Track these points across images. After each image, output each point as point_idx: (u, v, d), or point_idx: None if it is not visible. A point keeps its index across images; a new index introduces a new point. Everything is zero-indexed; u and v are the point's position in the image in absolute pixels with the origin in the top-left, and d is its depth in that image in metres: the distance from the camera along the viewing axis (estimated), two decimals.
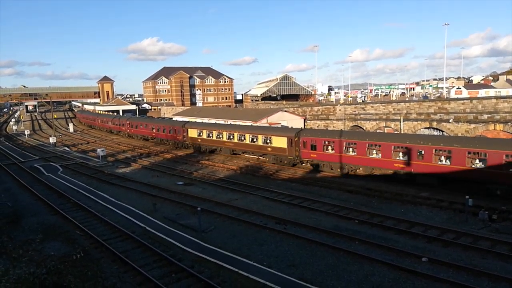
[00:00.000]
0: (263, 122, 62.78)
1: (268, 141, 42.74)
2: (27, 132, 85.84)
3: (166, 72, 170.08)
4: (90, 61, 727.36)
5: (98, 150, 49.76)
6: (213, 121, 69.34)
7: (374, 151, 33.74)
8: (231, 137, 47.57)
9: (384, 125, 61.51)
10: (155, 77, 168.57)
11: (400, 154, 32.11)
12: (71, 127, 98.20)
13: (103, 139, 78.09)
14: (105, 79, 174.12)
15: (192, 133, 54.36)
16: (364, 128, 64.28)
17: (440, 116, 56.12)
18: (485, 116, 51.58)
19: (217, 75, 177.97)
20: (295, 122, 66.85)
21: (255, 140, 44.56)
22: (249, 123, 60.95)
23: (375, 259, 18.20)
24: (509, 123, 48.55)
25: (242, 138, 46.04)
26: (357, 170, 36.05)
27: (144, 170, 43.85)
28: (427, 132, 55.58)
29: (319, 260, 18.59)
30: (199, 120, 72.65)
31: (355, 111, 68.45)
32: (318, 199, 29.05)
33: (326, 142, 37.18)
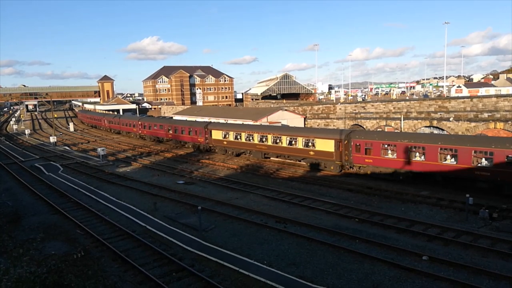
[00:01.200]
0: (263, 121, 62.84)
1: (310, 144, 38.69)
2: (27, 131, 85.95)
3: (166, 71, 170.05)
4: (90, 61, 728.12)
5: (99, 149, 49.78)
6: (213, 120, 69.20)
7: (448, 156, 29.59)
8: (264, 139, 43.69)
9: (385, 124, 61.54)
10: (155, 76, 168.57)
11: (483, 160, 28.03)
12: (71, 127, 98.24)
13: (104, 138, 78.12)
14: (105, 78, 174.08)
15: (217, 134, 49.74)
16: (364, 127, 64.28)
17: (440, 114, 56.11)
18: (486, 115, 51.56)
19: (217, 74, 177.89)
20: (295, 121, 66.92)
21: (293, 143, 40.53)
22: (249, 122, 60.98)
23: (375, 257, 18.21)
24: (510, 122, 48.54)
25: (277, 141, 42.19)
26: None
27: (144, 169, 43.87)
28: (427, 130, 55.60)
29: (319, 258, 18.61)
30: (199, 119, 72.61)
31: (355, 110, 68.40)
32: (318, 198, 29.06)
33: (385, 146, 32.98)
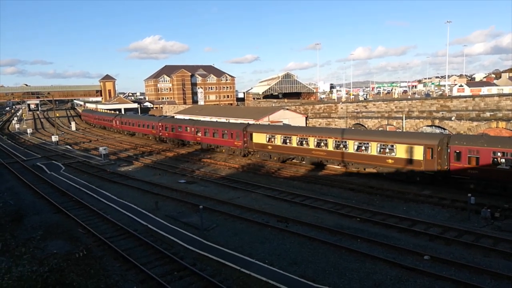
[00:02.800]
0: (264, 120, 62.80)
1: (387, 150, 33.30)
2: (29, 130, 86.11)
3: (168, 70, 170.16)
4: (92, 60, 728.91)
5: (100, 148, 49.86)
6: (214, 119, 69.13)
7: None
8: (322, 144, 38.06)
9: (386, 123, 61.46)
10: (157, 76, 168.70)
11: None
12: (73, 126, 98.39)
13: (106, 137, 78.23)
14: (107, 77, 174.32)
15: (259, 138, 44.25)
16: (366, 126, 64.23)
17: (442, 114, 56.01)
18: (488, 114, 51.45)
19: (218, 73, 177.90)
20: (297, 120, 66.92)
21: (364, 148, 34.94)
22: (251, 121, 60.86)
23: (377, 257, 18.21)
24: None
25: (341, 146, 36.69)
26: None
27: (146, 168, 43.93)
28: (429, 130, 55.51)
29: (321, 258, 18.61)
30: (201, 118, 72.34)
31: (357, 109, 68.33)
32: (320, 197, 29.06)
33: (499, 154, 27.25)
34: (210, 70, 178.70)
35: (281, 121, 61.25)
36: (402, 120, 57.85)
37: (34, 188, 33.88)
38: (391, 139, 33.61)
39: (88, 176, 39.57)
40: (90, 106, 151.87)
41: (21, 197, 31.94)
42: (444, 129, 54.08)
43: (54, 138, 66.95)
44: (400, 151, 32.22)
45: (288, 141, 41.32)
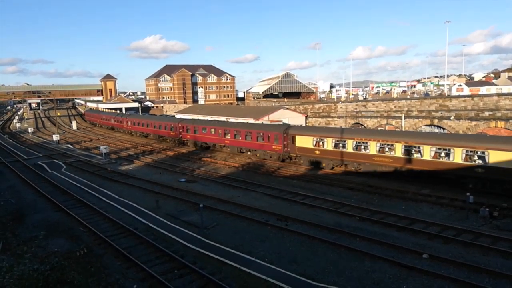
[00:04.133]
0: (264, 120, 62.85)
1: (476, 157, 28.09)
2: (30, 129, 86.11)
3: (169, 70, 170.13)
4: (93, 59, 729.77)
5: (101, 147, 49.96)
6: (215, 118, 68.99)
7: None
8: (388, 148, 33.09)
9: (386, 123, 61.55)
10: (157, 75, 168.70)
11: None
12: (74, 125, 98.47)
13: (106, 136, 78.32)
14: (108, 77, 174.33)
15: (304, 141, 39.43)
16: (365, 125, 64.31)
17: (441, 113, 56.09)
18: (487, 114, 51.54)
19: (219, 73, 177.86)
20: (297, 119, 66.96)
21: (443, 155, 29.83)
22: (251, 120, 60.91)
23: (376, 255, 18.32)
24: (511, 121, 48.52)
25: (412, 151, 31.55)
26: None
27: (146, 167, 44.03)
28: (428, 129, 55.60)
29: (320, 256, 18.73)
30: (201, 117, 72.27)
31: (356, 109, 68.39)
32: (319, 196, 29.17)
33: None
34: (211, 69, 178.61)
35: (281, 120, 61.25)
36: (401, 119, 57.93)
37: (35, 187, 33.99)
38: (481, 144, 28.10)
39: (89, 175, 39.67)
40: (91, 105, 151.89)
41: (22, 195, 32.04)
42: (443, 128, 54.18)
43: (55, 137, 67.06)
44: (495, 157, 27.03)
45: (341, 145, 36.45)
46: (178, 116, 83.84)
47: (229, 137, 49.19)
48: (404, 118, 57.98)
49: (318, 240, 20.58)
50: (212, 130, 52.20)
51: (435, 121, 55.45)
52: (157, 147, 58.61)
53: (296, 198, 29.02)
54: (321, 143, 38.25)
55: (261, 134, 44.32)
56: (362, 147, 35.04)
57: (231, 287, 15.58)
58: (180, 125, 59.02)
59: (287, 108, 72.13)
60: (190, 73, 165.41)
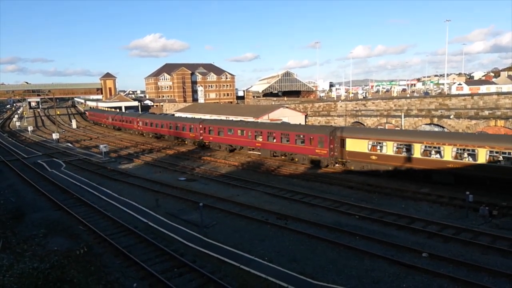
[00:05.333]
0: (264, 118, 62.82)
1: None
2: (30, 128, 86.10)
3: (168, 68, 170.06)
4: (93, 58, 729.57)
5: (101, 146, 49.97)
6: (214, 117, 69.00)
7: None
8: (466, 154, 28.90)
9: (385, 121, 61.54)
10: (157, 74, 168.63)
11: None
12: (74, 124, 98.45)
13: (106, 135, 78.29)
14: (108, 75, 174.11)
15: (356, 145, 35.12)
16: (365, 124, 64.31)
17: (441, 112, 56.09)
18: (486, 112, 51.55)
19: (218, 71, 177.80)
20: (296, 118, 66.92)
21: None
22: (250, 119, 60.85)
23: (375, 254, 18.35)
24: (510, 119, 48.53)
25: (500, 158, 27.34)
26: None
27: (146, 166, 44.02)
28: (427, 128, 55.62)
29: (319, 255, 18.75)
30: (201, 116, 72.17)
31: (356, 108, 68.38)
32: (319, 195, 29.20)
33: None
34: (210, 68, 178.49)
35: (281, 119, 61.24)
36: (401, 118, 57.93)
37: (35, 186, 34.01)
38: None
39: (89, 174, 39.67)
40: (91, 104, 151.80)
41: (22, 194, 32.07)
42: (443, 127, 54.19)
43: (55, 136, 67.05)
44: None
45: (405, 149, 32.28)
46: (177, 114, 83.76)
47: (260, 139, 44.67)
48: (404, 117, 57.98)
49: (318, 238, 20.61)
50: (240, 131, 47.57)
51: (435, 120, 55.45)
52: (157, 146, 58.58)
53: (296, 196, 29.03)
54: (379, 147, 33.81)
55: (302, 136, 39.74)
56: (433, 152, 30.73)
57: (231, 286, 15.59)
58: (201, 126, 53.91)
59: (287, 107, 72.09)
60: (190, 72, 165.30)
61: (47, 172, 40.07)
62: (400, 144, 32.61)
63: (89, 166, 43.55)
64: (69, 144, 64.50)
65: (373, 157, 34.09)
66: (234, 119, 62.29)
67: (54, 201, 28.99)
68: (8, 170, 42.97)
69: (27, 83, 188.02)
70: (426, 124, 56.42)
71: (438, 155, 30.44)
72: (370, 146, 34.34)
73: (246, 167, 41.27)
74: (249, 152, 47.56)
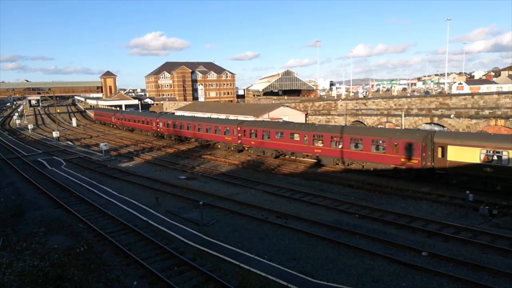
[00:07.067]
0: (264, 117, 62.80)
1: None
2: (30, 126, 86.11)
3: (169, 67, 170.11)
4: (93, 56, 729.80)
5: (101, 144, 49.95)
6: (214, 116, 69.01)
7: None
8: None
9: (386, 121, 61.51)
10: (157, 72, 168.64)
11: None
12: (74, 122, 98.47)
13: (106, 133, 78.29)
14: (108, 74, 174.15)
15: (461, 154, 28.48)
16: (365, 123, 64.29)
17: (441, 111, 56.08)
18: (487, 112, 51.53)
19: (219, 70, 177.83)
20: (297, 117, 66.89)
21: None
22: (250, 117, 60.78)
23: (375, 253, 18.35)
24: (511, 119, 48.51)
25: None
26: None
27: (146, 165, 44.02)
28: (428, 127, 55.59)
29: (319, 253, 18.75)
30: (201, 114, 72.16)
31: (356, 107, 68.37)
32: (319, 194, 29.19)
33: None
34: (211, 67, 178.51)
35: (281, 118, 61.22)
36: (401, 117, 57.91)
37: (35, 184, 34.03)
38: None
39: (89, 172, 39.70)
40: (91, 102, 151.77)
41: (22, 192, 32.09)
42: (443, 126, 54.18)
43: (55, 134, 67.09)
44: None
45: None
46: (178, 113, 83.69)
47: (320, 145, 38.47)
48: (404, 116, 57.95)
49: (318, 237, 20.61)
50: (292, 134, 41.28)
51: (435, 119, 55.42)
52: (157, 145, 58.57)
53: (296, 195, 29.03)
54: (495, 157, 27.29)
55: (381, 142, 33.50)
56: None
57: (230, 284, 15.60)
58: (239, 128, 47.39)
59: (287, 106, 72.07)
60: (190, 70, 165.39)
61: (47, 170, 40.09)
62: None
63: (89, 164, 43.57)
64: (69, 142, 64.55)
65: (488, 169, 27.44)
66: (233, 117, 62.19)
67: (54, 199, 29.01)
68: (8, 168, 43.00)
69: (27, 81, 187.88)
70: (427, 123, 56.41)
71: None
72: (482, 156, 27.73)
73: (246, 165, 41.26)
74: (304, 159, 41.79)
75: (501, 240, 19.82)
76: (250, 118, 60.32)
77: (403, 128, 54.53)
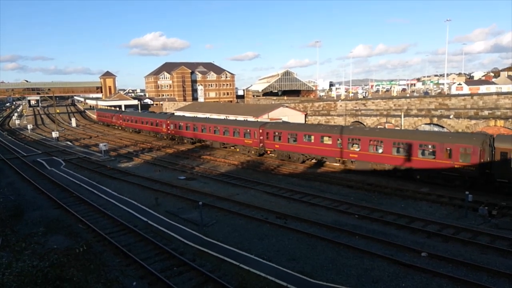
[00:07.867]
0: (264, 118, 62.79)
1: None
2: (29, 126, 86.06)
3: (168, 67, 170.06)
4: (93, 56, 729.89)
5: (101, 144, 49.91)
6: (214, 116, 68.95)
7: None
8: None
9: (385, 121, 61.51)
10: (157, 72, 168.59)
11: None
12: (73, 122, 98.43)
13: (106, 133, 78.27)
14: (108, 74, 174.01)
15: None
16: (365, 124, 64.28)
17: (440, 112, 56.08)
18: (486, 112, 51.55)
19: (218, 70, 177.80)
20: (296, 117, 66.91)
21: None
22: (250, 118, 60.77)
23: (375, 253, 18.35)
24: (510, 119, 48.53)
25: None
26: None
27: (146, 165, 44.00)
28: (427, 128, 55.60)
29: (319, 254, 18.75)
30: (200, 115, 72.07)
31: (356, 107, 68.36)
32: (318, 194, 29.19)
33: None
34: (210, 67, 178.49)
35: (281, 119, 61.23)
36: (401, 118, 57.92)
37: (35, 184, 34.00)
38: None
39: (89, 172, 39.68)
40: (91, 102, 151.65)
41: (21, 192, 32.07)
42: (443, 127, 54.19)
43: (55, 134, 67.07)
44: None
45: None
46: (177, 113, 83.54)
47: (357, 149, 35.45)
48: (404, 117, 57.96)
49: (317, 237, 20.61)
50: (323, 137, 37.84)
51: (435, 120, 55.43)
52: (156, 145, 58.55)
53: (295, 196, 29.03)
54: None
55: (430, 146, 30.22)
56: None
57: (230, 285, 15.60)
58: (261, 131, 44.10)
59: (286, 106, 72.06)
60: (190, 71, 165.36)
61: (46, 170, 40.06)
62: None
63: (89, 165, 43.54)
64: (69, 143, 64.50)
65: None
66: (233, 118, 62.21)
67: (54, 200, 28.99)
68: (7, 168, 42.96)
69: (27, 81, 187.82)
70: (426, 124, 56.43)
71: None
72: None
73: (245, 166, 41.24)
74: (335, 164, 38.65)
75: (500, 240, 19.84)
76: (250, 118, 60.36)
77: (402, 128, 54.56)
